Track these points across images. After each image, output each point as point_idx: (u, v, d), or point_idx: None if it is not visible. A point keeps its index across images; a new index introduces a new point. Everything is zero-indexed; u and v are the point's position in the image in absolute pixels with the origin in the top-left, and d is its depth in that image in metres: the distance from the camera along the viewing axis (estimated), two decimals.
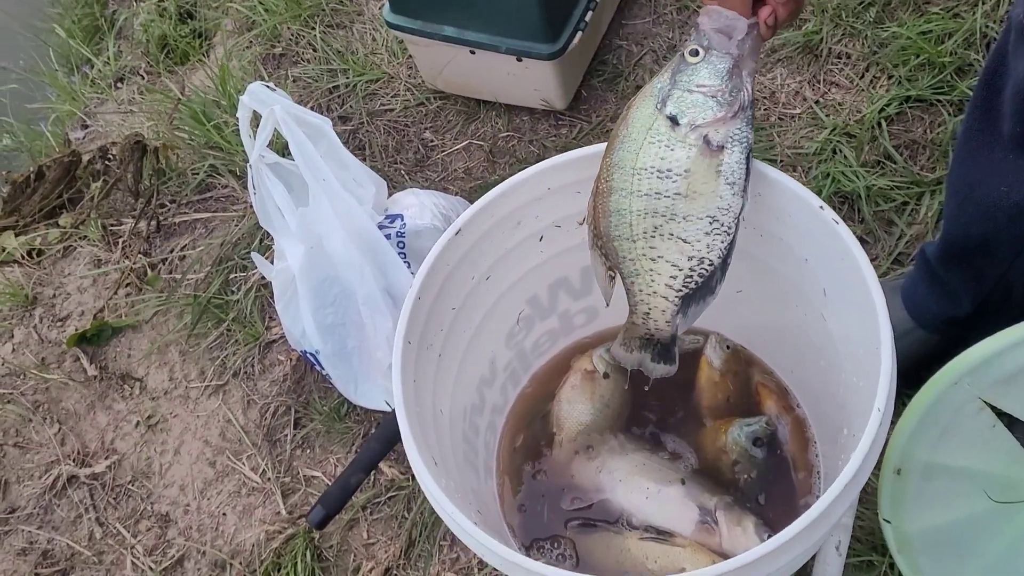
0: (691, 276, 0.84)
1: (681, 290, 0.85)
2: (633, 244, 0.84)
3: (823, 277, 0.90)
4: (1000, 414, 1.01)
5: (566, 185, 0.97)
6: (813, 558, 1.07)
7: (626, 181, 0.82)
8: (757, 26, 0.82)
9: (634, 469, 1.05)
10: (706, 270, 0.84)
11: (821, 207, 0.84)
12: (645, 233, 0.83)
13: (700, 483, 1.03)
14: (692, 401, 1.11)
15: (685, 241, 0.83)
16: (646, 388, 0.98)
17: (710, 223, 0.82)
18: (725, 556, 0.97)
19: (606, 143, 0.88)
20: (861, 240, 1.41)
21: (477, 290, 1.00)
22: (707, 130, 0.80)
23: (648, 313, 0.87)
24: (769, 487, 1.03)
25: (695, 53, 0.80)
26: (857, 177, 1.45)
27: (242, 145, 1.44)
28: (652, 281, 0.85)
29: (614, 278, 0.88)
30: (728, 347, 1.13)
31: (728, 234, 0.82)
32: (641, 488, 1.03)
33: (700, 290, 0.85)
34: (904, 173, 1.46)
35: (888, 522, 1.01)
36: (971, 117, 1.03)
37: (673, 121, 0.81)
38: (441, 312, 0.95)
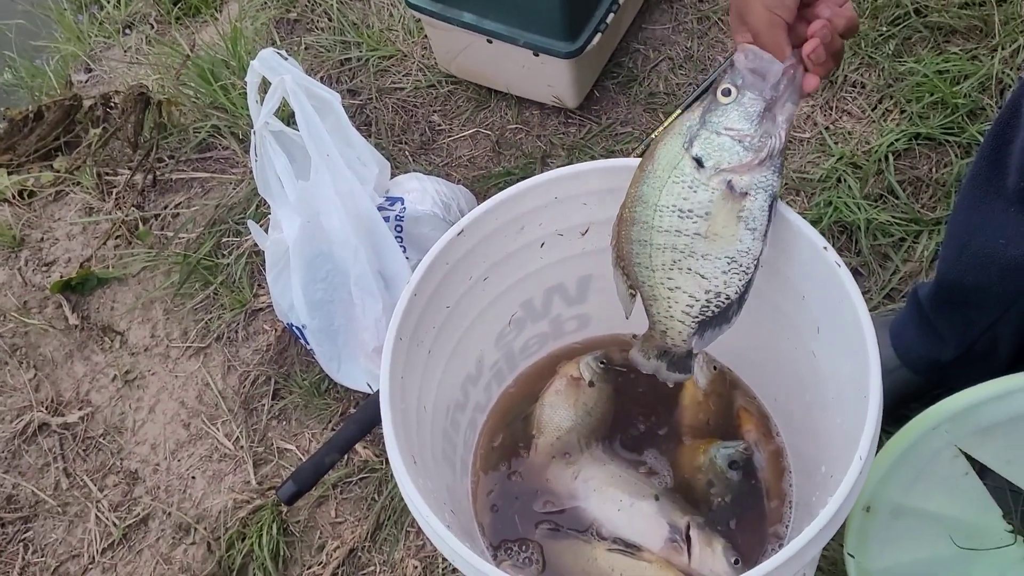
0: (708, 307, 0.85)
1: (698, 317, 0.86)
2: (652, 273, 0.85)
3: (819, 316, 0.90)
4: (973, 462, 1.03)
5: (574, 196, 0.96)
6: None
7: (648, 215, 0.82)
8: (796, 67, 0.78)
9: (610, 480, 1.06)
10: (723, 303, 0.85)
11: (825, 248, 0.85)
12: (664, 265, 0.84)
13: (673, 501, 1.04)
14: (674, 418, 1.12)
15: (703, 276, 0.83)
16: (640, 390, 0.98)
17: (728, 263, 0.82)
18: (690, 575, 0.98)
19: (620, 158, 0.88)
20: (855, 272, 1.41)
21: (473, 290, 0.99)
22: (731, 175, 0.80)
23: (665, 332, 0.89)
24: (741, 512, 1.04)
25: (727, 93, 0.79)
26: (859, 209, 1.45)
27: (247, 109, 1.42)
28: (669, 308, 0.86)
29: (634, 296, 0.89)
30: (715, 368, 1.13)
31: (746, 273, 0.83)
32: (615, 500, 1.04)
33: (716, 319, 0.86)
34: (905, 209, 1.46)
35: (852, 556, 1.03)
36: (978, 165, 1.03)
37: (698, 163, 0.80)
38: (435, 310, 0.94)
